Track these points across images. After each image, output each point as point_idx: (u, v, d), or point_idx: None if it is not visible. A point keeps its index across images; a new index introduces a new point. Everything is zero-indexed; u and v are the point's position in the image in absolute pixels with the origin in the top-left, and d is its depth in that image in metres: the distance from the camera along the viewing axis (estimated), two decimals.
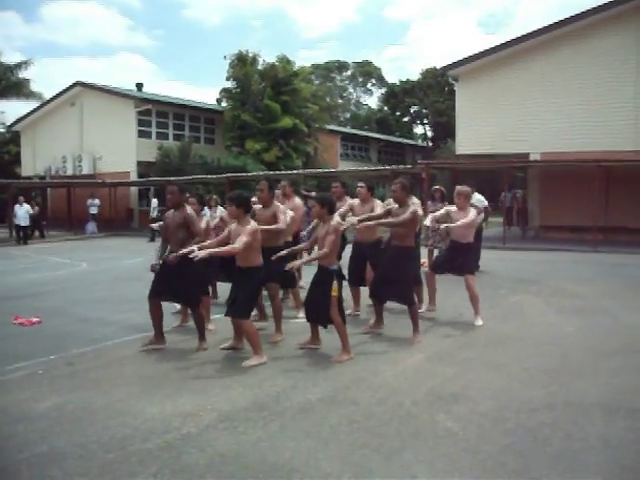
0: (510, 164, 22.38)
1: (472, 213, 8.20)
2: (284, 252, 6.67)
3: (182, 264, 6.46)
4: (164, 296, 6.93)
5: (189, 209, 7.08)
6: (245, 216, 6.28)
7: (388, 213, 7.34)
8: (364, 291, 8.42)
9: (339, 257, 7.67)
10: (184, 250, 6.14)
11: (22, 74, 37.83)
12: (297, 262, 6.62)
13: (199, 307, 7.01)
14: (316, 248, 6.66)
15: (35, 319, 8.48)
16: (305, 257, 7.48)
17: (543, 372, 5.88)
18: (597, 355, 6.54)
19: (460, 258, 8.19)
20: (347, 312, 8.23)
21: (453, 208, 8.31)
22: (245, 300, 6.22)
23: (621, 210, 20.50)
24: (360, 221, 7.25)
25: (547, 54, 22.87)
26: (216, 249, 6.16)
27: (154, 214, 25.19)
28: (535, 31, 23.13)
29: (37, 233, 25.99)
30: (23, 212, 23.81)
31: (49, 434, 4.49)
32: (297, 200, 9.48)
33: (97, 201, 29.94)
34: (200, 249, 6.03)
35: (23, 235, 24.01)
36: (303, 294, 7.47)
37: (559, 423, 4.59)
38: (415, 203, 8.20)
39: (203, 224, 7.85)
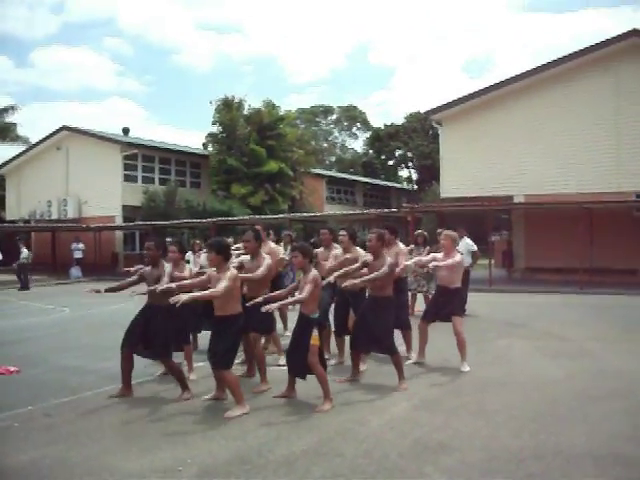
0: (494, 207, 22.51)
1: (458, 256, 8.18)
2: (260, 299, 6.55)
3: (156, 316, 6.38)
4: (135, 350, 6.84)
5: (167, 266, 6.98)
6: (225, 263, 6.20)
7: (365, 265, 7.26)
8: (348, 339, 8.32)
9: (325, 312, 7.64)
10: (164, 286, 6.04)
11: (9, 118, 38.06)
12: (274, 305, 6.45)
13: (169, 359, 6.85)
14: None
15: (13, 368, 8.27)
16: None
17: (532, 419, 5.77)
18: (586, 400, 6.45)
19: (448, 304, 8.11)
20: (332, 362, 8.14)
21: (439, 255, 8.27)
22: (226, 350, 6.09)
23: (606, 251, 20.57)
24: (338, 277, 7.27)
25: (528, 98, 23.26)
26: (197, 294, 6.07)
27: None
28: (515, 76, 23.61)
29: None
30: None
31: None
32: (271, 244, 9.46)
33: (82, 245, 29.79)
34: (180, 290, 5.96)
35: None
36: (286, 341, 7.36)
37: (549, 474, 4.48)
38: (401, 250, 8.18)
39: (186, 273, 7.72)
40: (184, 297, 5.77)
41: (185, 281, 6.58)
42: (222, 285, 5.93)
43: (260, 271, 7.15)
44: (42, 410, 6.36)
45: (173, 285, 5.99)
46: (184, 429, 5.66)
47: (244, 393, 6.24)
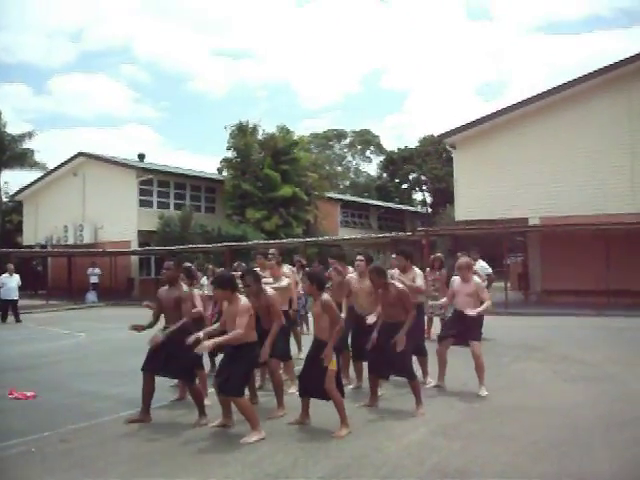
0: (509, 229, 22.42)
1: (476, 280, 8.16)
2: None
3: (176, 339, 6.40)
4: (157, 371, 6.83)
5: (185, 287, 7.03)
6: (234, 294, 6.21)
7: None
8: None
9: (345, 338, 7.63)
10: (191, 338, 6.03)
11: (27, 144, 38.64)
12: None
13: (194, 382, 6.89)
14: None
15: (30, 393, 8.28)
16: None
17: (552, 445, 5.69)
18: (608, 426, 6.34)
19: (466, 328, 8.05)
20: (350, 386, 8.09)
21: (457, 280, 8.23)
22: (239, 377, 6.09)
23: (623, 273, 20.32)
24: None
25: (541, 120, 23.28)
26: (222, 338, 6.03)
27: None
28: (529, 98, 23.67)
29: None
30: (14, 284, 20.15)
31: None
32: (285, 269, 9.40)
33: (98, 270, 30.07)
34: (205, 336, 6.06)
35: (13, 310, 20.19)
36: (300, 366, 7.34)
37: None
38: (417, 274, 8.16)
39: (198, 302, 7.72)
40: (209, 343, 5.83)
41: (207, 329, 6.56)
42: (242, 322, 5.98)
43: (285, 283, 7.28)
44: (59, 435, 6.35)
45: (201, 334, 6.08)
46: (200, 455, 5.63)
47: (259, 419, 6.20)
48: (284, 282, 8.34)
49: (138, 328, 6.89)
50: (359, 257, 8.01)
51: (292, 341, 10.47)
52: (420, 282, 8.21)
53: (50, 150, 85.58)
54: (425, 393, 7.47)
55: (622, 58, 22.01)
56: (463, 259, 8.34)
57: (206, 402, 7.19)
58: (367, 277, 7.78)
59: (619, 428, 6.26)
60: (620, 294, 20.33)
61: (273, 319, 6.88)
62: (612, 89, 22.18)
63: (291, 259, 16.28)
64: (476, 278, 8.34)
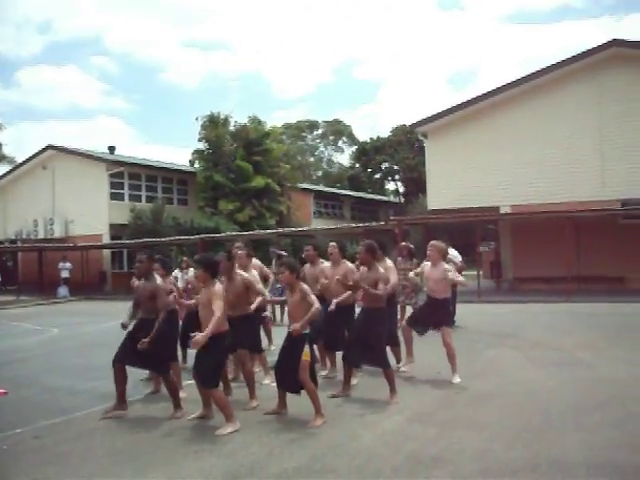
0: (481, 218, 22.61)
1: (444, 267, 8.19)
2: None
3: (150, 328, 6.41)
4: (129, 362, 6.80)
5: (159, 279, 7.02)
6: (212, 280, 6.21)
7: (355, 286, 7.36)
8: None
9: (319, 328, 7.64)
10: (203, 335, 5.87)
11: None
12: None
13: (169, 374, 6.86)
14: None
15: (1, 390, 8.17)
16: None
17: (525, 430, 5.76)
18: (579, 410, 6.44)
19: (437, 313, 8.13)
20: (323, 374, 8.13)
21: (427, 264, 8.30)
22: (212, 368, 6.08)
23: (593, 259, 20.71)
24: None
25: (513, 109, 23.49)
26: (208, 330, 5.88)
27: None
28: (500, 87, 23.83)
29: None
30: None
31: None
32: (254, 261, 9.27)
33: (69, 264, 29.72)
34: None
35: None
36: (272, 358, 7.34)
37: None
38: (389, 267, 8.15)
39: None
40: (199, 338, 5.77)
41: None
42: (218, 306, 5.95)
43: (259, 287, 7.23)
44: (32, 432, 6.26)
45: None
46: (175, 448, 5.60)
47: (234, 410, 6.19)
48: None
49: (125, 325, 6.96)
50: (331, 244, 8.02)
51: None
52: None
53: (19, 143, 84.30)
54: (399, 382, 7.50)
55: (592, 46, 22.31)
56: (438, 241, 8.38)
57: (182, 394, 7.16)
58: (339, 265, 7.84)
59: (589, 411, 6.36)
60: (590, 280, 20.67)
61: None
62: (582, 78, 22.47)
63: (260, 251, 16.24)
64: (445, 265, 8.36)
